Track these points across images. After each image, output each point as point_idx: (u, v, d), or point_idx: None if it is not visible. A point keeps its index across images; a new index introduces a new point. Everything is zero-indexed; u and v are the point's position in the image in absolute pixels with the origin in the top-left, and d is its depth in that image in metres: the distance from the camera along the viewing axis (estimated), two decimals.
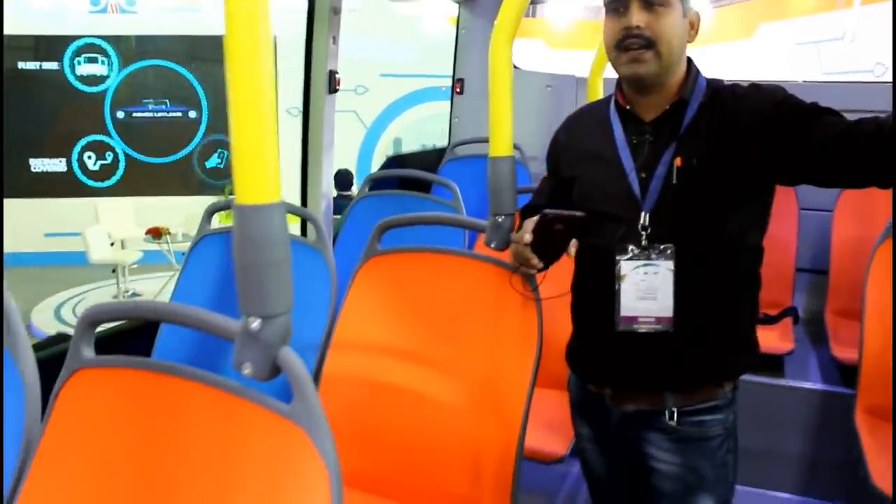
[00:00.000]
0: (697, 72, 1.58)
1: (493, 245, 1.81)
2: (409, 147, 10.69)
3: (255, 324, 1.00)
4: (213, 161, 10.84)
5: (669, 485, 1.59)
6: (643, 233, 1.53)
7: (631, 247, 1.53)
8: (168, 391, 1.09)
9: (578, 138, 1.69)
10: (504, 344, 1.80)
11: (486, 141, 3.78)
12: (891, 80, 4.02)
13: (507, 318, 1.80)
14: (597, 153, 1.60)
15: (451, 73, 4.27)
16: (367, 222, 2.18)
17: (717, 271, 1.55)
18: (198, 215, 2.42)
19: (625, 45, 1.49)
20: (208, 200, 3.13)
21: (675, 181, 1.51)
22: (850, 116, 1.42)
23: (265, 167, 0.98)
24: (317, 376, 1.90)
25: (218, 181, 10.58)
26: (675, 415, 1.56)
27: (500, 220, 1.79)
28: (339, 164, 6.76)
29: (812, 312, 3.40)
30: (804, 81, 3.81)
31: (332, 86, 2.81)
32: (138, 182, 10.67)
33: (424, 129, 10.39)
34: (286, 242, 1.02)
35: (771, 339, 2.83)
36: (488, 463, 1.76)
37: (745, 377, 1.62)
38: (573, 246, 1.58)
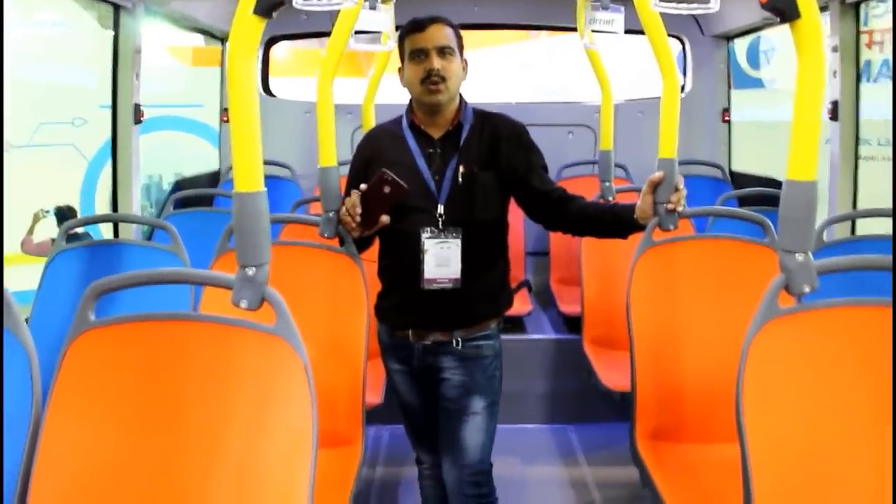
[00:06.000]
0: (466, 102, 2.25)
1: (326, 234, 2.32)
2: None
3: (252, 270, 1.51)
4: None
5: (454, 391, 2.22)
6: (439, 219, 2.16)
7: (431, 229, 2.16)
8: (166, 334, 1.54)
9: (380, 151, 2.26)
10: (341, 310, 2.35)
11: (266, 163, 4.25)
12: (571, 100, 5.16)
13: (342, 291, 2.36)
14: (398, 161, 2.19)
15: (178, 103, 4.64)
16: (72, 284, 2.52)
17: (488, 243, 2.24)
18: None
19: (428, 81, 2.12)
20: None
21: (460, 182, 2.17)
22: (549, 129, 2.25)
23: (256, 170, 1.52)
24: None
25: None
26: (460, 342, 2.21)
27: (330, 215, 2.31)
28: (60, 202, 6.67)
29: (540, 284, 4.31)
30: (517, 103, 4.75)
31: (137, 117, 3.14)
32: None
33: (155, 158, 10.22)
34: (268, 215, 1.54)
35: (513, 305, 3.65)
36: (341, 399, 2.30)
37: None
38: (386, 216, 2.11)
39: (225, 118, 4.60)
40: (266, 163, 4.36)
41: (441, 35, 2.13)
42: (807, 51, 1.46)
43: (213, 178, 4.59)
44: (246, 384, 1.51)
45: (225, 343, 1.53)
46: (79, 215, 7.98)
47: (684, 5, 1.80)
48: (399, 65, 2.23)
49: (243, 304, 1.50)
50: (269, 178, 4.23)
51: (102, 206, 8.29)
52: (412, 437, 2.46)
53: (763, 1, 1.44)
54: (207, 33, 4.27)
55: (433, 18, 2.15)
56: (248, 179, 1.50)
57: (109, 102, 3.33)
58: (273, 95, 4.71)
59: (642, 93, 4.83)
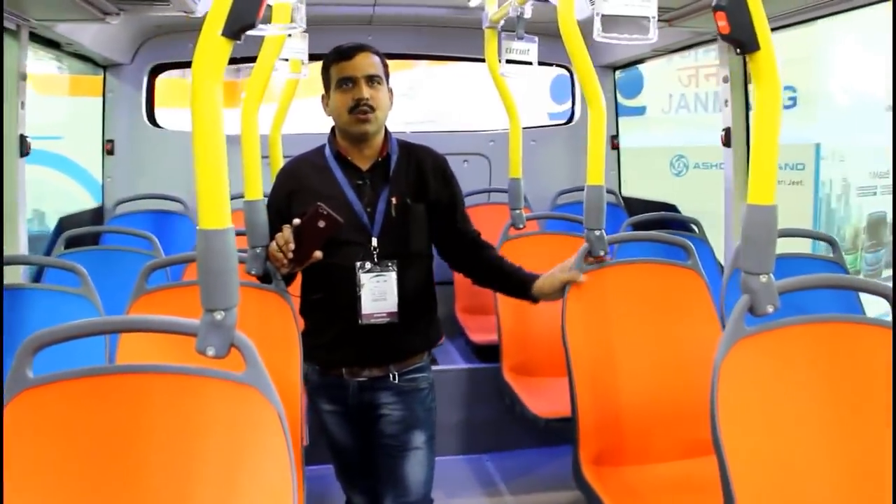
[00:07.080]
0: (391, 133, 2.21)
1: (253, 272, 2.20)
2: None
3: (220, 315, 1.37)
4: None
5: (394, 426, 2.16)
6: (374, 252, 2.11)
7: (366, 263, 2.10)
8: (119, 389, 1.39)
9: (303, 183, 2.17)
10: (274, 350, 2.22)
11: (149, 197, 4.04)
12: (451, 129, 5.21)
13: (273, 329, 2.24)
14: (326, 194, 2.11)
15: (43, 136, 4.42)
16: None
17: (421, 275, 2.21)
18: None
19: (356, 110, 2.07)
20: None
21: (393, 214, 2.12)
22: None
23: (223, 205, 1.37)
24: None
25: None
26: (397, 377, 2.17)
27: (258, 251, 2.20)
28: None
29: (444, 314, 4.27)
30: (411, 132, 4.74)
31: (24, 149, 2.90)
32: None
33: None
34: (236, 255, 1.41)
35: None
36: None
37: None
38: (319, 252, 2.02)
39: (109, 149, 4.33)
40: (157, 197, 4.20)
41: (369, 63, 2.10)
42: (764, 81, 1.52)
43: (97, 215, 4.30)
44: (216, 439, 1.39)
45: (189, 396, 1.39)
46: None
47: (626, 35, 1.84)
48: (322, 93, 2.18)
49: (210, 351, 1.37)
50: (161, 213, 4.13)
51: None
52: (344, 479, 2.38)
53: (724, 32, 1.49)
54: (89, 60, 4.01)
55: (361, 46, 2.11)
56: (215, 216, 1.37)
57: None
58: (159, 127, 4.48)
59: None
